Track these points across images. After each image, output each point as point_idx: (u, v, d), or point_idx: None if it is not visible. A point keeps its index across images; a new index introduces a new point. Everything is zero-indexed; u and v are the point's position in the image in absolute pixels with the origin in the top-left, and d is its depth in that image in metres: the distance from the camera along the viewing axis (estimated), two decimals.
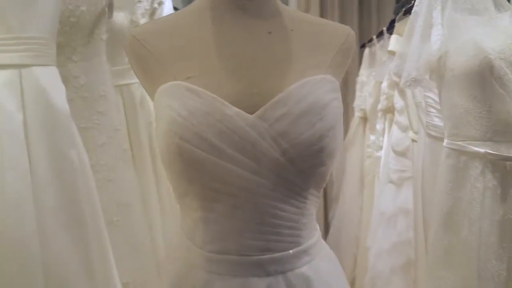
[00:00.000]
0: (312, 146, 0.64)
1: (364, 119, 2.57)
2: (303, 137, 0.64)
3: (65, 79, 1.41)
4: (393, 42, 1.59)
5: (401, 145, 1.79)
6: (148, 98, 1.67)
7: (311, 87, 0.66)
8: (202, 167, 0.64)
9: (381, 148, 2.17)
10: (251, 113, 0.64)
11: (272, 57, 0.70)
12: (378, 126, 2.24)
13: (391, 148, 1.86)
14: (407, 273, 1.70)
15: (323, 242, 0.78)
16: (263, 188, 0.65)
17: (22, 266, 1.05)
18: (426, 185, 1.33)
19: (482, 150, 1.03)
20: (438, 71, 1.10)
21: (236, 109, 0.64)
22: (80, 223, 1.16)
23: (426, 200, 1.33)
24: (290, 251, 0.69)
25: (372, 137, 2.33)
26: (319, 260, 0.72)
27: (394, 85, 1.80)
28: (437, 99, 1.25)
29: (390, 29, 1.90)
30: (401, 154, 1.80)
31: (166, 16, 0.81)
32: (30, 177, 1.09)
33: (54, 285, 1.11)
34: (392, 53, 1.55)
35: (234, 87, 0.67)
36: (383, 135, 2.18)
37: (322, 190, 0.74)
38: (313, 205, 0.72)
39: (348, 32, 0.75)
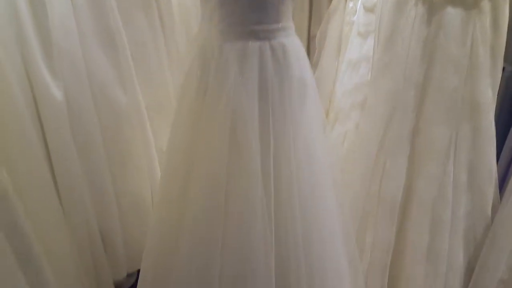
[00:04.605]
0: None
1: None
2: None
3: None
4: None
5: (370, 1, 2.07)
6: None
7: None
8: None
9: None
10: None
11: None
12: None
13: (362, 6, 2.13)
14: (363, 107, 2.08)
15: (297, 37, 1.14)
16: None
17: (72, 72, 1.40)
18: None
19: None
20: None
21: None
22: (113, 46, 1.49)
23: (382, 38, 1.67)
24: (273, 25, 1.05)
25: (351, 4, 2.53)
26: (293, 39, 1.10)
27: None
28: None
29: None
30: (369, 9, 2.08)
31: None
32: (71, 6, 1.39)
33: (98, 92, 1.47)
34: None
35: None
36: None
37: None
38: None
39: None
